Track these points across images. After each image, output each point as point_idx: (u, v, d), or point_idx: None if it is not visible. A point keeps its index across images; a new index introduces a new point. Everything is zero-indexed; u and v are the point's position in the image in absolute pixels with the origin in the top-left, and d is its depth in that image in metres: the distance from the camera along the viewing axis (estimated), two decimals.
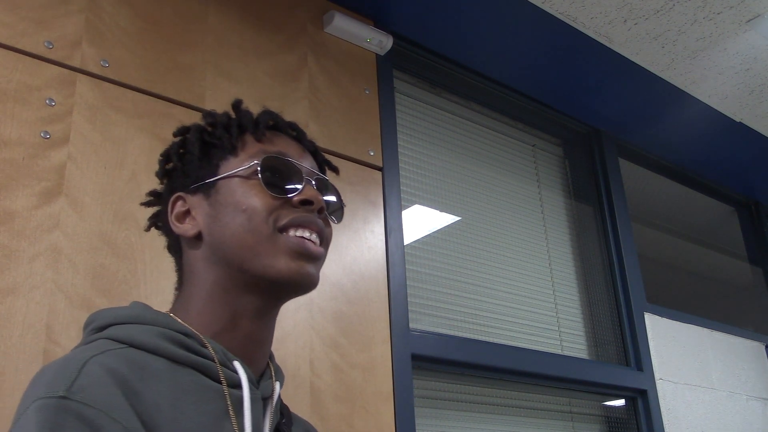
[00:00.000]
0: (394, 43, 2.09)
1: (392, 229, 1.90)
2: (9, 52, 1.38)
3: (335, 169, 1.08)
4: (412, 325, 1.89)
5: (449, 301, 2.13)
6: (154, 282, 1.40)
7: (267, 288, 0.89)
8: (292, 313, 1.61)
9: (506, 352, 2.12)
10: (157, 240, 1.44)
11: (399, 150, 2.05)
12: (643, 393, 2.40)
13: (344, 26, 1.98)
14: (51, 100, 1.39)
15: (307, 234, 0.90)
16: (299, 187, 0.91)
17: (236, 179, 0.92)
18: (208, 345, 0.85)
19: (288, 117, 1.03)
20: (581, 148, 2.80)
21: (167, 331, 0.84)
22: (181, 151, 0.98)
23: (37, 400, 0.70)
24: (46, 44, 1.42)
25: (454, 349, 1.98)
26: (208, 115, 0.98)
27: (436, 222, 2.23)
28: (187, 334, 0.85)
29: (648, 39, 2.34)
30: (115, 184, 1.43)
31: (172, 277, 1.41)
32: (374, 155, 1.94)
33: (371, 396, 1.68)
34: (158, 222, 1.02)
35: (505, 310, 2.27)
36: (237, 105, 1.00)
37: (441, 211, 2.25)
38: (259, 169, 0.91)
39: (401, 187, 2.03)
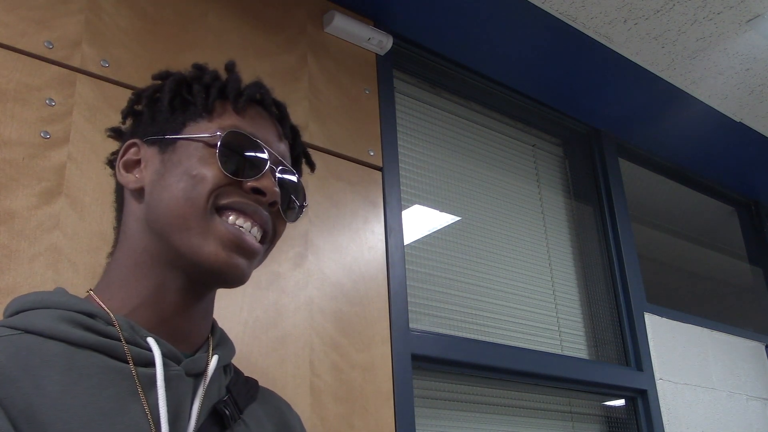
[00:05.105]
0: (394, 43, 2.09)
1: (392, 229, 1.90)
2: (9, 52, 1.37)
3: (311, 165, 1.02)
4: (412, 325, 1.89)
5: (449, 301, 2.13)
6: None
7: (191, 270, 0.83)
8: (292, 313, 1.61)
9: (506, 352, 2.12)
10: None
11: (399, 150, 2.05)
12: (643, 393, 2.40)
13: (344, 26, 1.98)
14: (51, 100, 1.39)
15: (247, 225, 0.84)
16: (258, 173, 0.85)
17: (198, 144, 0.85)
18: (115, 323, 0.80)
19: None
20: (581, 148, 2.80)
21: (68, 312, 0.79)
22: (157, 95, 0.91)
23: None
24: (46, 44, 1.42)
25: (454, 349, 1.98)
26: (196, 67, 0.92)
27: (436, 222, 2.23)
28: (91, 314, 0.80)
29: (648, 39, 2.34)
30: None
31: None
32: (374, 155, 1.94)
33: (371, 396, 1.68)
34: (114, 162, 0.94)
35: (505, 310, 2.27)
36: (230, 67, 0.94)
37: (441, 211, 2.25)
38: (219, 141, 0.84)
39: (401, 187, 2.03)
